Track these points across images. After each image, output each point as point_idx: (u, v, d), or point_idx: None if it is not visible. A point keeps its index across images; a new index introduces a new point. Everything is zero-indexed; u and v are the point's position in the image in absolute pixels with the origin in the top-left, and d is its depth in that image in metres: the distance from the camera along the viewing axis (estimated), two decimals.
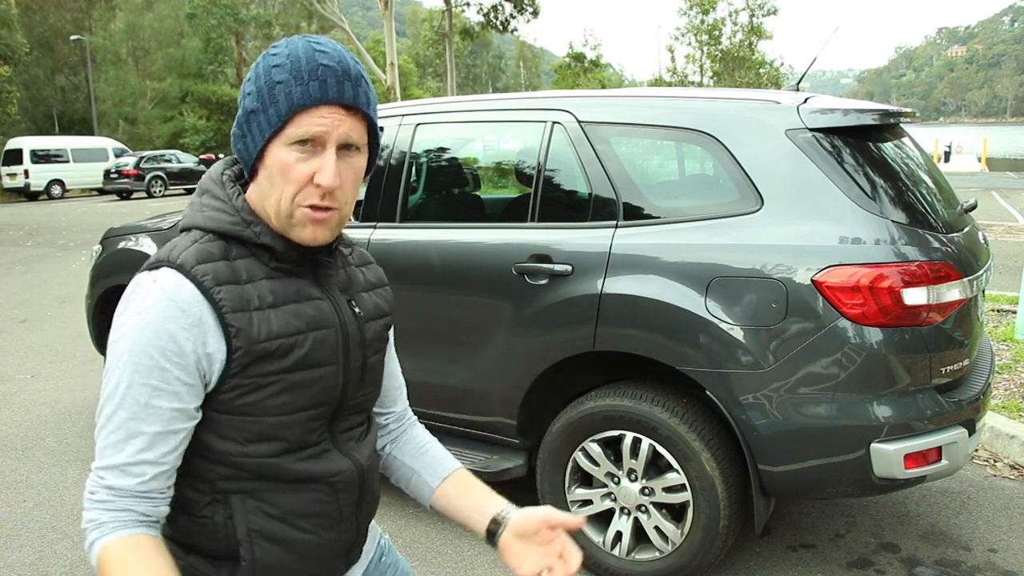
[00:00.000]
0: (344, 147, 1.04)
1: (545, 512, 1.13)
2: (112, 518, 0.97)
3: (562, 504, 2.76)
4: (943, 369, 2.35)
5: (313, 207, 1.03)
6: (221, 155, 30.37)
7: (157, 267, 1.01)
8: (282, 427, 1.06)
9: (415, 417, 1.39)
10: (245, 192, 1.09)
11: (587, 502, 2.74)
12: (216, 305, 0.99)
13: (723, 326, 2.37)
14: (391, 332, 1.30)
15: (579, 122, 2.78)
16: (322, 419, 1.11)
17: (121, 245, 4.29)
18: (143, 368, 0.97)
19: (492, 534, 1.16)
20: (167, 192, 25.57)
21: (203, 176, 1.13)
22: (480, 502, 1.21)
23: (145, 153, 26.35)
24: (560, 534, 1.12)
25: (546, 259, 2.71)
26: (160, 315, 0.97)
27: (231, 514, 1.06)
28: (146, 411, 0.97)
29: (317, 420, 1.10)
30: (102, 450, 0.99)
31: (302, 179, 1.02)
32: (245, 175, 1.11)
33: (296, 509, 1.08)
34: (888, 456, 2.25)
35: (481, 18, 31.93)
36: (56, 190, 25.67)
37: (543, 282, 2.70)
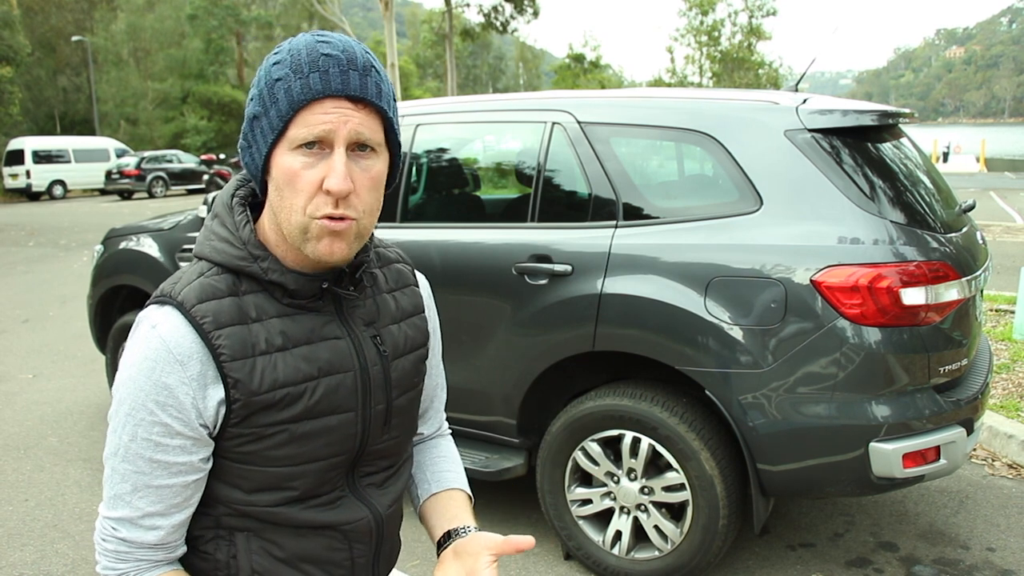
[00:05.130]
0: (357, 148, 0.93)
1: (494, 541, 1.04)
2: (132, 568, 0.96)
3: (562, 503, 2.77)
4: (941, 369, 2.36)
5: (328, 217, 0.92)
6: (222, 155, 30.38)
7: (159, 303, 0.96)
8: (290, 477, 0.99)
9: (449, 431, 1.34)
10: (259, 214, 1.01)
11: (587, 501, 2.75)
12: (215, 353, 0.93)
13: (722, 326, 2.37)
14: (439, 348, 1.23)
15: (579, 122, 2.79)
16: (339, 469, 1.03)
17: (123, 245, 4.30)
18: (145, 423, 0.93)
19: (440, 544, 1.13)
20: (168, 192, 25.61)
21: (217, 195, 1.05)
22: (451, 514, 1.16)
23: (146, 153, 26.38)
24: (490, 562, 1.03)
25: (546, 259, 2.72)
26: (159, 368, 0.92)
27: (235, 553, 1.01)
28: (151, 465, 0.94)
29: (333, 470, 1.03)
30: (112, 499, 0.96)
31: (311, 187, 0.91)
32: (258, 193, 1.02)
33: (304, 554, 1.03)
34: (887, 455, 2.26)
35: (481, 19, 31.99)
36: (58, 190, 25.72)
37: (543, 282, 2.71)
